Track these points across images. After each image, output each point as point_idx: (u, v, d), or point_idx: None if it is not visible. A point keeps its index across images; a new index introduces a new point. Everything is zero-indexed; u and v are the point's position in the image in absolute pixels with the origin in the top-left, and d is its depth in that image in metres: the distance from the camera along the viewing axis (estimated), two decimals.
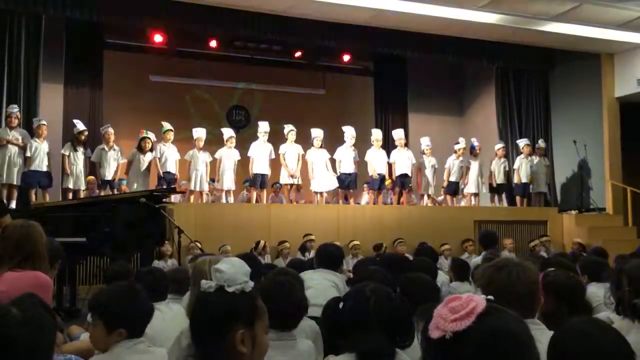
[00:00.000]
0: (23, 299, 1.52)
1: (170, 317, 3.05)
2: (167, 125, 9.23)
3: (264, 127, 9.54)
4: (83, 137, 8.81)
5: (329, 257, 4.04)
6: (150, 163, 9.01)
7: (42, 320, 1.46)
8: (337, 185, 9.68)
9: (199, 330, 1.59)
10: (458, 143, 10.54)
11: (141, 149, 8.94)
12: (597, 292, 3.62)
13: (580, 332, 1.54)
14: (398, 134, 10.32)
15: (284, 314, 2.34)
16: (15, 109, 8.35)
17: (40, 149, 8.40)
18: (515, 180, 10.86)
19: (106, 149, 8.87)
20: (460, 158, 10.51)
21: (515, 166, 10.87)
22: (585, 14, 9.45)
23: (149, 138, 9.00)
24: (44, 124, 8.52)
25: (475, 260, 6.01)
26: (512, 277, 1.99)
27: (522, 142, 11.06)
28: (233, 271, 1.59)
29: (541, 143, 11.20)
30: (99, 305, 2.35)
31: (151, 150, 9.00)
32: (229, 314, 1.55)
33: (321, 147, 9.64)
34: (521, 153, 10.93)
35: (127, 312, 2.31)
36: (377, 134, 10.14)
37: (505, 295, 1.91)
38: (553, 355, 1.51)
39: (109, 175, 8.82)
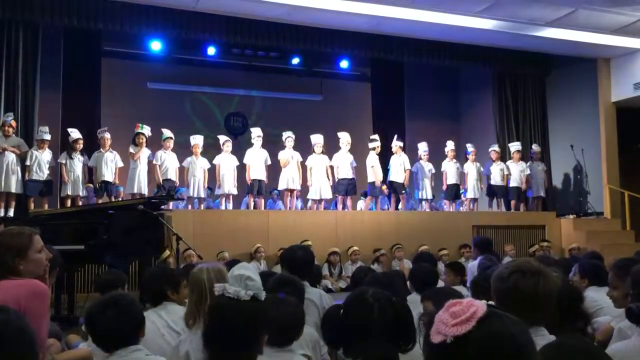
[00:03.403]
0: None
1: (166, 324, 3.03)
2: (167, 133, 9.22)
3: (256, 131, 9.57)
4: (78, 145, 8.80)
5: (296, 263, 3.51)
6: (148, 160, 9.01)
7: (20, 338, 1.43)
8: (330, 196, 9.70)
9: (230, 333, 1.73)
10: (446, 146, 10.68)
11: (136, 144, 8.95)
12: (595, 296, 3.61)
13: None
14: (396, 140, 10.35)
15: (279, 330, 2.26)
16: (9, 117, 8.33)
17: (41, 158, 8.41)
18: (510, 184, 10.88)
19: (102, 151, 8.87)
20: (454, 160, 10.54)
21: (507, 171, 10.88)
22: (581, 20, 9.48)
23: (144, 134, 8.98)
24: (48, 140, 8.53)
25: (472, 264, 6.02)
26: (539, 286, 1.96)
27: (512, 147, 11.09)
28: (258, 279, 1.82)
29: (535, 147, 11.21)
30: (86, 322, 2.39)
31: (146, 145, 9.00)
32: (261, 321, 1.76)
33: (322, 152, 9.66)
34: (512, 158, 10.96)
35: (108, 328, 2.31)
36: (376, 140, 10.19)
37: (527, 302, 1.90)
38: None
39: (107, 177, 8.78)
